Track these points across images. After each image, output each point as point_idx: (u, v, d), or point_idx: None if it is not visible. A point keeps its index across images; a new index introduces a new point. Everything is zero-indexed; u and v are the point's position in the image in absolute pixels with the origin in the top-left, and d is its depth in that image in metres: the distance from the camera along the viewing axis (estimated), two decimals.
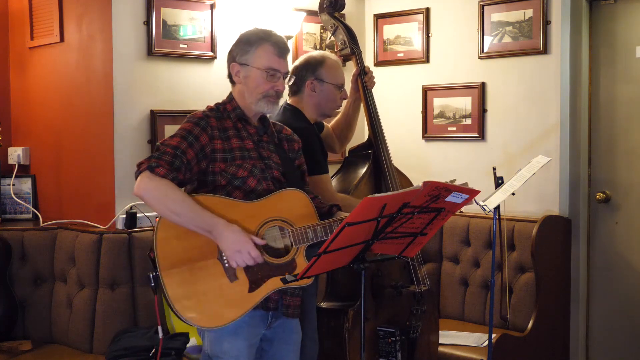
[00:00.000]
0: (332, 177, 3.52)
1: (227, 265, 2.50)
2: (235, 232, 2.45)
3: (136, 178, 2.49)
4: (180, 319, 2.46)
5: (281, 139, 2.81)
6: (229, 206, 2.54)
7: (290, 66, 3.07)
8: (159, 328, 2.67)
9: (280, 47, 2.68)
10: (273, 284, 2.53)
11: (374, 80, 3.54)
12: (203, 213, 2.46)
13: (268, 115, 2.77)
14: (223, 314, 2.48)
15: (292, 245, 2.57)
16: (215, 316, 2.48)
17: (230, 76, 2.74)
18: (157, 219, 2.53)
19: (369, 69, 3.54)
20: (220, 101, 2.73)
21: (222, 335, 2.55)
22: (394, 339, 3.26)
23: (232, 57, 2.70)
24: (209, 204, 2.50)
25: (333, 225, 2.58)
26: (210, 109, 2.69)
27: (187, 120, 2.61)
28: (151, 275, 2.46)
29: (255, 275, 2.52)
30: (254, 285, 2.51)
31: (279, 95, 2.68)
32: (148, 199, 2.48)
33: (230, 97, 2.72)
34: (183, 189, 2.61)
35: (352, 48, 3.54)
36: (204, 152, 2.56)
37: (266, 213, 2.56)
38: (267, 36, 2.68)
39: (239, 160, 2.60)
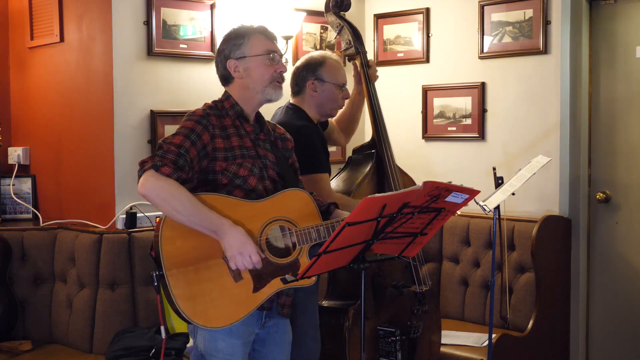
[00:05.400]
0: (335, 176, 3.53)
1: None
2: (241, 235, 2.45)
3: (139, 176, 2.45)
4: (185, 319, 2.44)
5: (275, 137, 2.81)
6: (234, 206, 2.53)
7: (291, 67, 3.08)
8: (162, 328, 2.62)
9: (268, 33, 2.73)
10: (277, 284, 2.54)
11: (377, 74, 3.58)
12: (209, 213, 2.44)
13: (268, 118, 2.79)
14: (228, 314, 2.48)
15: (296, 244, 2.58)
16: (220, 316, 2.47)
17: (224, 76, 2.72)
18: (158, 219, 2.52)
19: (372, 62, 3.57)
20: (216, 99, 2.71)
21: (217, 333, 2.54)
22: (394, 338, 3.25)
23: (225, 56, 2.69)
24: (214, 204, 2.49)
25: (335, 225, 2.59)
26: (209, 106, 2.66)
27: (188, 118, 2.58)
28: (154, 274, 2.43)
29: (260, 276, 2.52)
30: (258, 285, 2.51)
31: (283, 78, 2.71)
32: (153, 198, 2.44)
33: (227, 95, 2.70)
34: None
35: (357, 47, 3.56)
36: (206, 150, 2.54)
37: (270, 213, 2.57)
38: (254, 27, 2.73)
39: (240, 159, 2.59)
